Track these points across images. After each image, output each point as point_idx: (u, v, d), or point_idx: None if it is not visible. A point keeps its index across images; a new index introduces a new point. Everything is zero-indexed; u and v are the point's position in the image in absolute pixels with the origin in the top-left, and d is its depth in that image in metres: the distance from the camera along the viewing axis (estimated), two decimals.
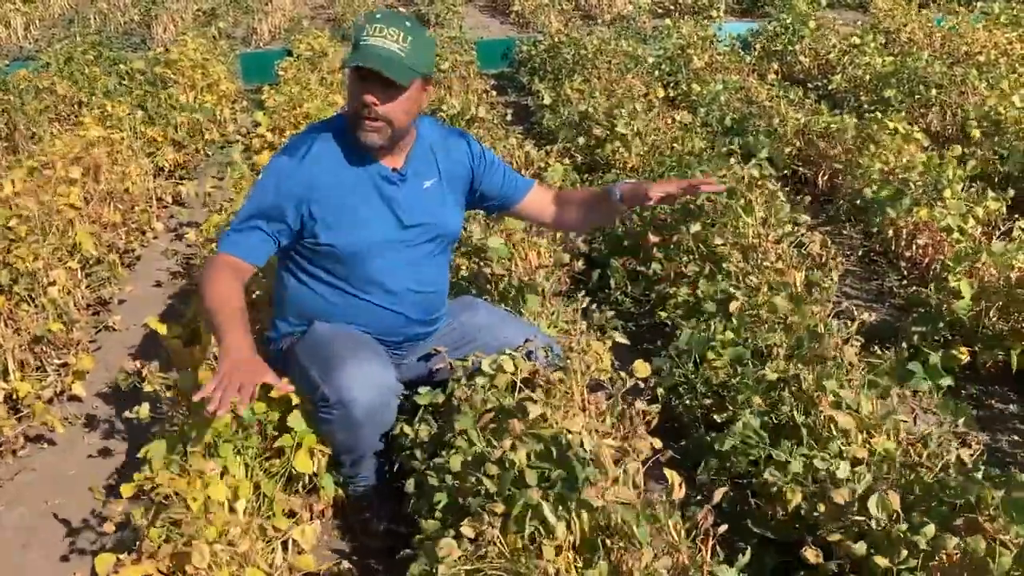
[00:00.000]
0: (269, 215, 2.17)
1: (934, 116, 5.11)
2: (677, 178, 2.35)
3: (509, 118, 5.53)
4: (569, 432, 1.95)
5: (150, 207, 4.33)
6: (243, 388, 1.87)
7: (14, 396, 2.82)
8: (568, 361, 2.33)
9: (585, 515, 1.77)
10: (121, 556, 1.83)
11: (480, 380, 2.18)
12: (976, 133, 4.61)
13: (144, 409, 2.28)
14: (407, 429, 2.21)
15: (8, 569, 2.33)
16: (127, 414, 2.28)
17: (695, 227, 3.20)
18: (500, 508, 1.73)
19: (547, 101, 5.42)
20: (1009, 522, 1.75)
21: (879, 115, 4.53)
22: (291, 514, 2.14)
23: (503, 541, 1.72)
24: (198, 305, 2.24)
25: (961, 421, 2.27)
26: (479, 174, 2.42)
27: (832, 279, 3.06)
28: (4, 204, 3.43)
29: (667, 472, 1.93)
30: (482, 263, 3.02)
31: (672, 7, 9.48)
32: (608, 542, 1.80)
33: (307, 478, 2.25)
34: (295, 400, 2.20)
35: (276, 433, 2.21)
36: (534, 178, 4.03)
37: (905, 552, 1.78)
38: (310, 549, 2.10)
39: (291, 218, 2.18)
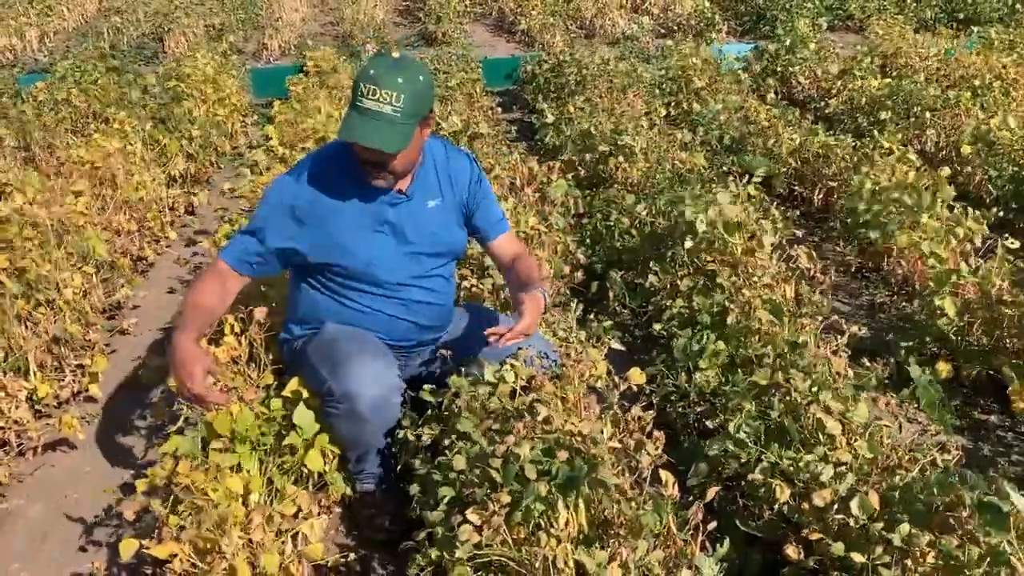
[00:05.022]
0: (267, 229, 2.33)
1: (928, 138, 5.24)
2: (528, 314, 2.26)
3: (513, 135, 5.67)
4: (577, 434, 2.06)
5: (164, 216, 4.45)
6: (195, 384, 2.15)
7: (33, 396, 2.94)
8: (565, 368, 2.44)
9: (583, 507, 1.88)
10: (144, 541, 1.94)
11: (482, 388, 2.29)
12: (967, 150, 4.72)
13: (162, 412, 2.40)
14: (410, 435, 2.32)
15: (28, 560, 2.44)
16: (146, 411, 2.39)
17: (688, 243, 3.31)
18: (505, 498, 1.83)
19: (550, 119, 5.55)
20: (983, 523, 1.84)
21: (874, 135, 4.66)
22: (300, 509, 2.24)
23: (507, 530, 1.82)
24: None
25: (946, 419, 2.36)
26: (474, 198, 2.51)
27: (820, 293, 3.17)
28: (19, 213, 3.56)
29: (661, 473, 2.04)
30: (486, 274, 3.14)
31: (675, 27, 9.63)
32: (605, 536, 1.91)
33: (316, 475, 2.36)
34: (304, 394, 2.32)
35: (286, 432, 2.32)
36: (536, 192, 4.17)
37: (880, 549, 1.88)
38: (317, 542, 2.20)
39: (288, 233, 2.33)
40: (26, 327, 3.07)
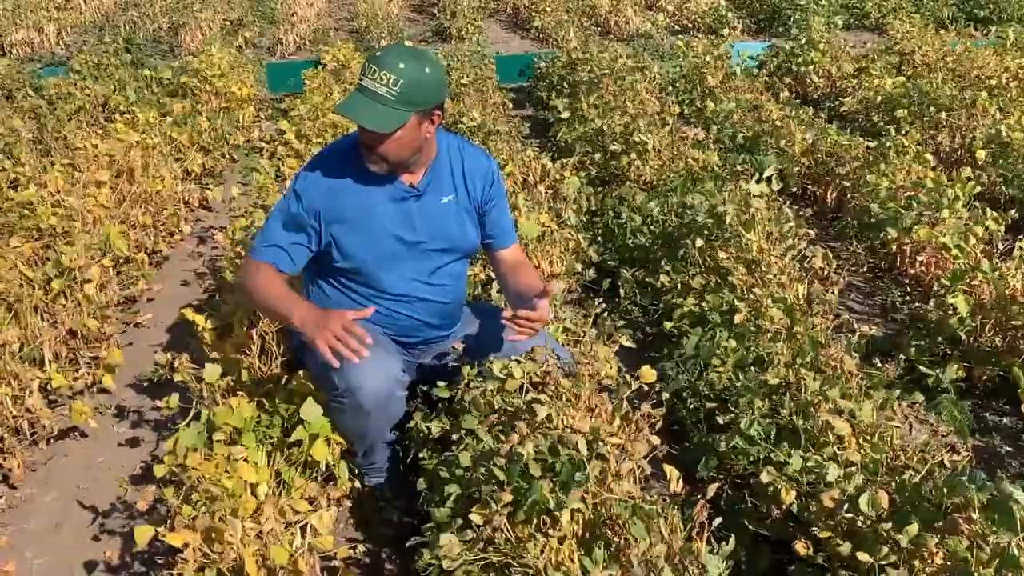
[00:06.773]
0: (296, 226, 2.33)
1: (943, 137, 5.20)
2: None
3: (526, 131, 5.66)
4: (574, 431, 2.06)
5: (178, 210, 4.48)
6: (346, 331, 2.08)
7: (48, 386, 2.97)
8: (577, 366, 2.45)
9: (583, 507, 1.88)
10: (159, 529, 1.96)
11: (489, 384, 2.29)
12: (981, 155, 4.69)
13: (173, 400, 2.42)
14: (421, 425, 2.33)
15: (41, 549, 2.47)
16: (159, 403, 2.41)
17: (700, 241, 3.31)
18: (508, 497, 1.84)
19: (563, 116, 5.55)
20: (991, 524, 1.84)
21: (891, 134, 4.64)
22: (310, 500, 2.26)
23: (509, 528, 1.83)
24: (251, 304, 2.45)
25: (952, 428, 2.36)
26: (488, 198, 2.49)
27: (833, 292, 3.16)
28: (43, 203, 3.61)
29: (666, 468, 2.05)
30: None
31: (689, 25, 9.59)
32: (609, 533, 1.92)
33: (324, 467, 2.38)
34: (311, 386, 2.34)
35: (294, 423, 2.33)
36: (549, 189, 4.18)
37: (886, 549, 1.88)
38: (327, 534, 2.22)
39: (315, 228, 2.33)
40: (42, 318, 3.10)
